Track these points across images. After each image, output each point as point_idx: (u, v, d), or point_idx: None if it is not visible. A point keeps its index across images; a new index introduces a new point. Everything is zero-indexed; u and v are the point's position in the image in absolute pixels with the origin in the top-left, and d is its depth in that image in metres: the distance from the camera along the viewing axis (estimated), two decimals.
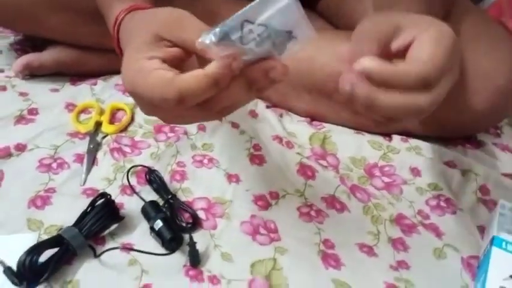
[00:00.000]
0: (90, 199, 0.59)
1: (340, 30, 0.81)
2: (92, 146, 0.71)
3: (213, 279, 0.56)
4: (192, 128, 0.75)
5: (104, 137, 0.73)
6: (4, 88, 0.81)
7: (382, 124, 0.45)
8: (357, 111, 0.42)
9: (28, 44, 0.91)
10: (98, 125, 0.75)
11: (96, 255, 0.56)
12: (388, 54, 0.43)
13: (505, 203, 0.63)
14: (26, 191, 0.63)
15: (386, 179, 0.71)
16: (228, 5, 0.82)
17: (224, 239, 0.60)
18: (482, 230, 0.65)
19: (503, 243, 0.57)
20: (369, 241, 0.62)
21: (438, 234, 0.64)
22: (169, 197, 0.63)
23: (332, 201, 0.67)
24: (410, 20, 0.44)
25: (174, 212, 0.61)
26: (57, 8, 0.77)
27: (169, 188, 0.65)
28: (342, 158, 0.74)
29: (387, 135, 0.78)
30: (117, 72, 0.82)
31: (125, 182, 0.65)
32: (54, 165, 0.68)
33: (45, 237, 0.57)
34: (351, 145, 0.75)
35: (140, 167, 0.67)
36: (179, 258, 0.57)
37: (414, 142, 0.76)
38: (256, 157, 0.72)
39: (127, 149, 0.72)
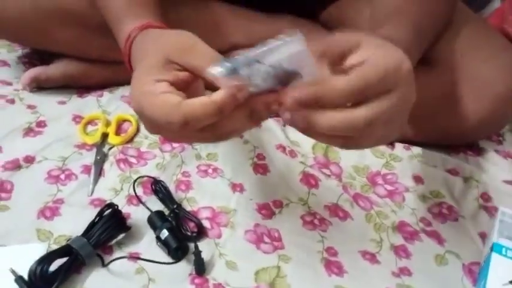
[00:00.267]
0: (98, 209, 0.60)
1: None
2: (98, 157, 0.72)
3: (218, 287, 0.57)
4: None
5: (110, 148, 0.74)
6: (12, 101, 0.82)
7: (345, 144, 0.43)
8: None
9: (36, 57, 0.93)
10: (105, 136, 0.76)
11: (104, 264, 0.57)
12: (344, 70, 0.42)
13: (505, 210, 0.63)
14: (35, 202, 0.65)
15: (388, 187, 0.72)
16: (235, 16, 0.84)
17: (229, 247, 0.61)
18: (483, 236, 0.65)
19: (503, 250, 0.57)
20: (372, 248, 0.63)
21: (440, 241, 0.65)
22: (175, 206, 0.64)
23: (335, 210, 0.68)
24: (371, 42, 0.43)
25: (180, 222, 0.62)
26: (66, 22, 0.78)
27: (174, 198, 0.66)
28: (344, 167, 0.74)
29: (390, 143, 0.78)
30: (122, 83, 0.86)
31: (131, 192, 0.66)
32: (62, 176, 0.69)
33: (54, 247, 0.58)
34: (353, 154, 0.76)
35: (146, 178, 0.68)
36: (185, 267, 0.58)
37: (416, 150, 0.77)
38: (260, 166, 0.73)
39: (133, 160, 0.73)
